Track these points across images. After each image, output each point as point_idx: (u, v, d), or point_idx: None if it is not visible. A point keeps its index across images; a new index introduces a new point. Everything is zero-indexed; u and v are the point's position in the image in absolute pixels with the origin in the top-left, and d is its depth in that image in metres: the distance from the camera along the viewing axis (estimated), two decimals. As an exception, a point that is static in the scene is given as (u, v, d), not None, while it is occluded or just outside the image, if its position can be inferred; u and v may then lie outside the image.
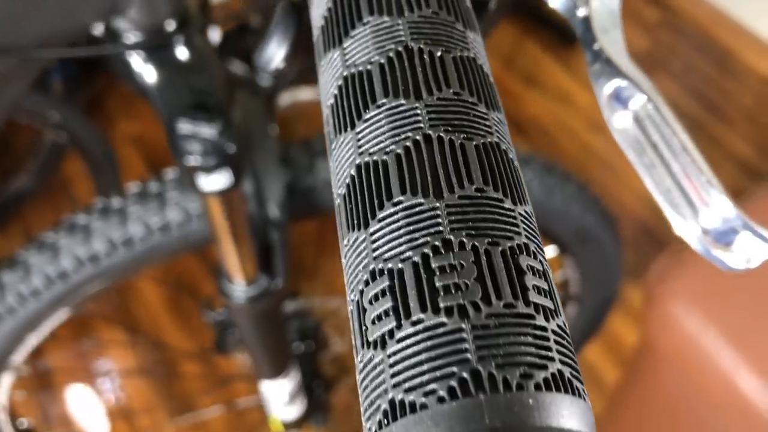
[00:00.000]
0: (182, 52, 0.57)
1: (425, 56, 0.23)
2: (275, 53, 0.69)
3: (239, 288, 0.71)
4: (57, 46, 0.53)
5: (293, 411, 0.98)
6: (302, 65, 0.76)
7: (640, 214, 1.73)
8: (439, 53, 0.23)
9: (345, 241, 0.21)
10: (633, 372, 1.21)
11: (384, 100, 0.22)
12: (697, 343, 1.04)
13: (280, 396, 0.93)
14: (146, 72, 0.56)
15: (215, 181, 0.57)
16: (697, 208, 0.24)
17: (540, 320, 0.17)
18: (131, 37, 0.56)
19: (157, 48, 0.56)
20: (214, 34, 0.66)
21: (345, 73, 0.23)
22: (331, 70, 0.24)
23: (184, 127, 0.55)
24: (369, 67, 0.23)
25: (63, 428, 1.37)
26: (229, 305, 0.73)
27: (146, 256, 0.75)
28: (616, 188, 1.79)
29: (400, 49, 0.23)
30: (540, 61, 2.07)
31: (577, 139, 1.95)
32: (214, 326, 0.99)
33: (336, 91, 0.23)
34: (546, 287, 0.19)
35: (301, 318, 1.05)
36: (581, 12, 0.27)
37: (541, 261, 0.19)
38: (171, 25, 0.57)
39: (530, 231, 0.20)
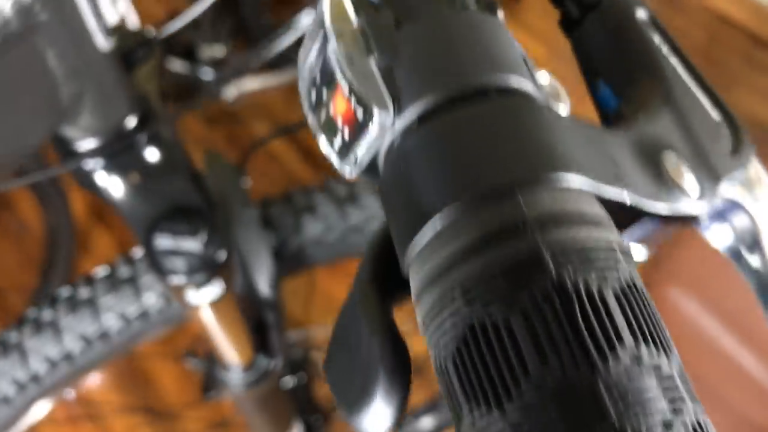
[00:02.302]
0: (151, 153, 0.49)
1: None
2: (214, 45, 0.62)
3: (236, 375, 0.65)
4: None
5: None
6: (243, 54, 0.69)
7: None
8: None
9: None
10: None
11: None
12: (696, 327, 1.02)
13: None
14: (112, 184, 0.48)
15: (205, 294, 0.51)
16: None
17: None
18: (88, 145, 0.47)
19: (120, 152, 0.48)
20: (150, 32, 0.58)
21: None
22: None
23: (164, 242, 0.48)
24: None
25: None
26: (228, 393, 0.67)
27: (125, 345, 0.68)
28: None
29: None
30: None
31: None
32: (199, 372, 0.93)
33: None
34: None
35: (288, 350, 1.00)
36: (755, 262, 0.22)
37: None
38: (132, 122, 0.49)
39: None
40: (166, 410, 1.34)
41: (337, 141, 0.21)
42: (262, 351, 0.66)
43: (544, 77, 0.21)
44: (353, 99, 0.20)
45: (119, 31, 0.49)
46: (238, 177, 0.68)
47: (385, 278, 0.21)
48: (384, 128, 0.20)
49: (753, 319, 0.99)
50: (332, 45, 0.20)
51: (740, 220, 0.23)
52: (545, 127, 0.19)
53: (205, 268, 0.49)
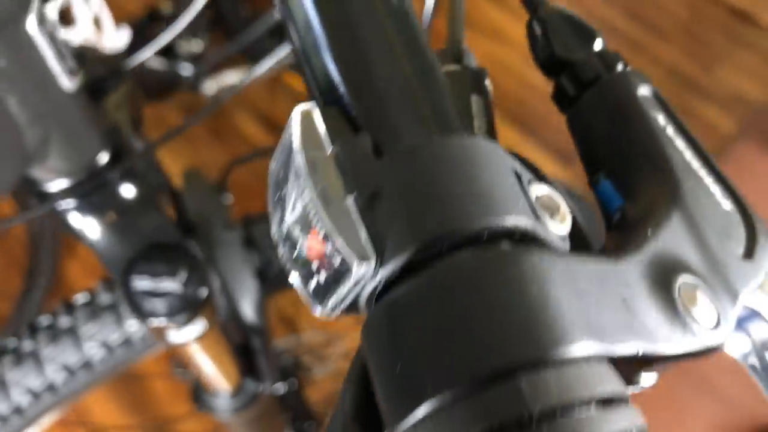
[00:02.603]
0: (126, 189, 0.47)
1: None
2: (192, 40, 0.60)
3: (224, 401, 0.64)
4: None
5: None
6: (222, 48, 0.67)
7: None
8: None
9: None
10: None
11: None
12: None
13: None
14: (86, 225, 0.46)
15: (188, 333, 0.49)
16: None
17: None
18: (58, 185, 0.45)
19: (93, 191, 0.46)
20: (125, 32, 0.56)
21: None
22: None
23: (142, 284, 0.46)
24: None
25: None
26: (218, 418, 0.66)
27: (109, 373, 0.66)
28: (562, 122, 1.73)
29: None
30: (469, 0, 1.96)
31: (514, 75, 1.88)
32: (190, 383, 0.91)
33: None
34: None
35: (278, 358, 0.99)
36: None
37: None
38: (104, 158, 0.47)
39: None
40: (160, 417, 1.32)
41: (312, 283, 0.19)
42: (249, 375, 0.64)
43: (541, 189, 0.19)
44: (329, 246, 0.18)
45: (86, 60, 0.46)
46: (220, 195, 0.66)
47: (368, 413, 0.19)
48: (364, 279, 0.18)
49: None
50: (304, 178, 0.18)
51: (758, 329, 0.22)
52: (546, 284, 0.17)
53: (187, 308, 0.47)
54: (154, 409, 1.35)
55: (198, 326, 0.49)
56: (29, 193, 0.46)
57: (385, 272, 0.18)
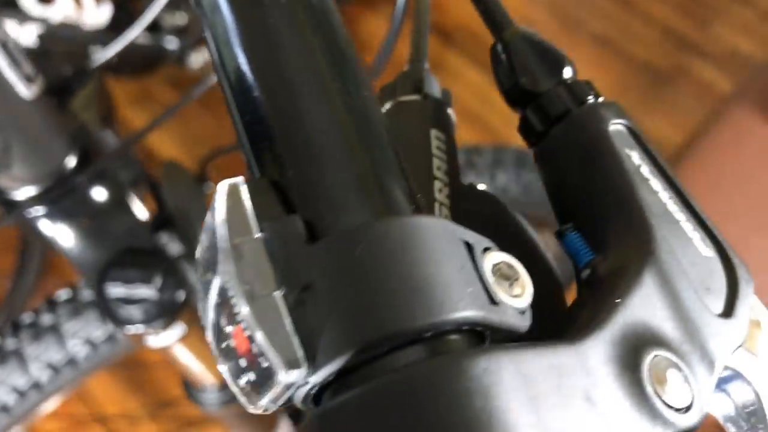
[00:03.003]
0: (97, 192, 0.46)
1: None
2: (176, 13, 0.60)
3: (212, 396, 0.63)
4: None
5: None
6: None
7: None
8: None
9: None
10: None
11: None
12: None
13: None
14: (57, 232, 0.45)
15: (167, 337, 0.48)
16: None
17: None
18: (26, 193, 0.44)
19: (62, 197, 0.45)
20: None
21: None
22: None
23: (116, 291, 0.45)
24: None
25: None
26: (206, 412, 0.65)
27: (95, 368, 0.66)
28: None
29: None
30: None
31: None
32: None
33: None
34: None
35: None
36: None
37: None
38: (72, 162, 0.45)
39: None
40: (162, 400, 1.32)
41: (242, 380, 0.17)
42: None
43: (497, 257, 0.17)
44: (254, 346, 0.16)
45: (50, 59, 0.45)
46: (200, 187, 0.65)
47: None
48: (295, 384, 0.16)
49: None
50: (227, 267, 0.16)
51: (739, 391, 0.20)
52: (492, 397, 0.15)
53: (163, 314, 0.46)
54: (157, 393, 1.36)
55: (177, 330, 0.48)
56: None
57: (317, 378, 0.16)
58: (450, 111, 0.25)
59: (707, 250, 0.21)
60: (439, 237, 0.17)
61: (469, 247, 0.17)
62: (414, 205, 0.18)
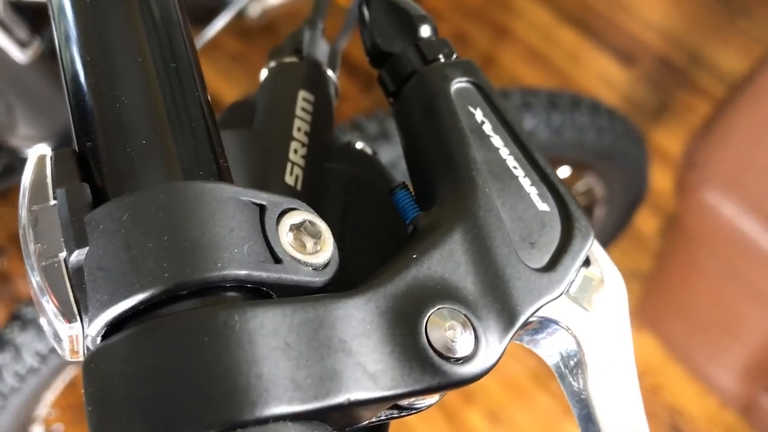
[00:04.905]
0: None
1: None
2: None
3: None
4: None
5: None
6: None
7: (655, 44, 1.60)
8: None
9: None
10: (669, 259, 1.16)
11: None
12: (735, 229, 0.98)
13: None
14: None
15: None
16: None
17: None
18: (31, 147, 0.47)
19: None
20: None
21: None
22: None
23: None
24: None
25: None
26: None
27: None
28: (625, 21, 1.65)
29: None
30: None
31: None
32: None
33: None
34: None
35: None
36: (576, 383, 0.20)
37: None
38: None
39: None
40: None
41: (51, 330, 0.18)
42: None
43: (297, 217, 0.18)
44: (46, 305, 0.18)
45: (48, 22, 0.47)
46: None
47: None
48: (78, 339, 0.18)
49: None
50: (26, 232, 0.18)
51: (562, 341, 0.20)
52: (234, 344, 0.16)
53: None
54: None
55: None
56: (12, 163, 0.48)
57: (91, 331, 0.18)
58: (330, 73, 0.26)
59: (544, 205, 0.21)
60: (214, 200, 0.18)
61: (262, 210, 0.18)
62: (210, 172, 0.19)
